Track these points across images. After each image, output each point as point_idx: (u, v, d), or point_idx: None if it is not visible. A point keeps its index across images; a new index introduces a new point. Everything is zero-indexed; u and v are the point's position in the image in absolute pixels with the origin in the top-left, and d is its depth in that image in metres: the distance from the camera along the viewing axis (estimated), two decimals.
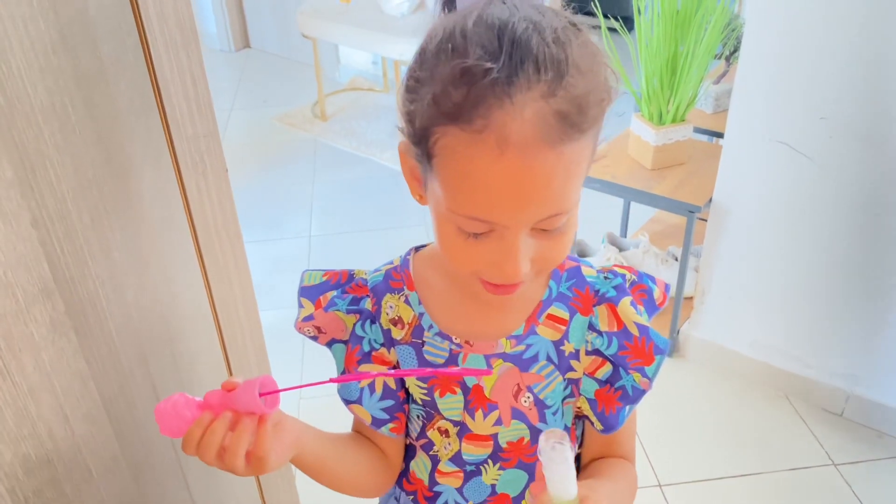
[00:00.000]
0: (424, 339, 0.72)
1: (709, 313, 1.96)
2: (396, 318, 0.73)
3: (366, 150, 3.27)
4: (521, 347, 0.71)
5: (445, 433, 0.75)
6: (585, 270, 0.73)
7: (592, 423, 0.74)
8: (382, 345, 0.74)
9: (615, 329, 0.70)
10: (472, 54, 0.53)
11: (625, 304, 0.71)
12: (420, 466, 0.78)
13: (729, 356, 1.96)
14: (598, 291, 0.72)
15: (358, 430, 0.79)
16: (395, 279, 0.74)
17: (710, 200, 1.83)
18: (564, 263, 0.73)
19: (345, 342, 0.75)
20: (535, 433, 0.73)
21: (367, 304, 0.74)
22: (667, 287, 0.75)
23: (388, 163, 3.17)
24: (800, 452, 1.76)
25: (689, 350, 2.02)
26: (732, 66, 2.13)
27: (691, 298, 2.05)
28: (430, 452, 0.76)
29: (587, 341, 0.71)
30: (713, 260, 1.89)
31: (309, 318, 0.75)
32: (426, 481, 0.78)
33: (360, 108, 3.64)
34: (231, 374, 0.99)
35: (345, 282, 0.76)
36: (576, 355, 0.72)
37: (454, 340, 0.71)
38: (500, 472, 0.75)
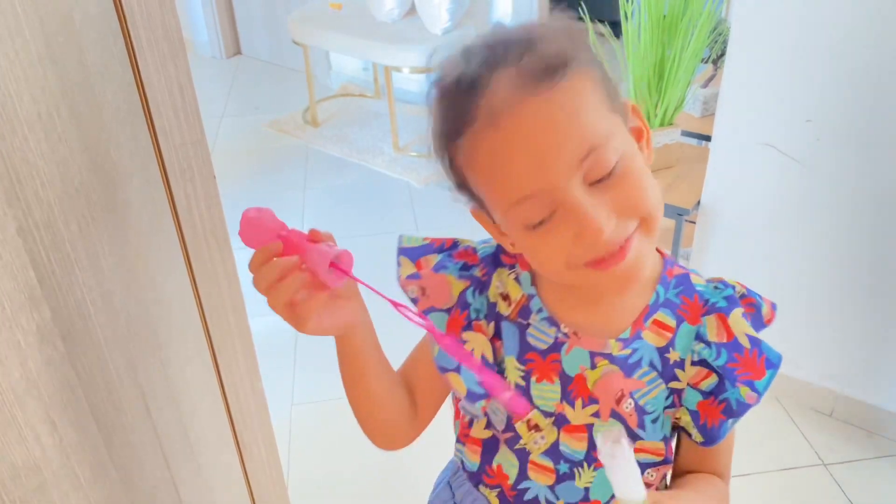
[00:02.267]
0: (531, 321, 0.71)
1: None
2: (505, 293, 0.73)
3: (357, 156, 3.28)
4: (627, 351, 0.70)
5: (536, 427, 0.73)
6: (694, 279, 0.72)
7: (691, 436, 0.72)
8: (485, 316, 0.73)
9: (725, 340, 0.68)
10: (447, 80, 0.61)
11: (736, 315, 0.69)
12: (507, 462, 0.76)
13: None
14: (707, 301, 0.70)
15: (405, 374, 0.79)
16: (508, 255, 0.74)
17: (699, 203, 1.84)
18: (673, 269, 0.72)
19: (444, 311, 0.74)
20: (633, 436, 0.72)
21: (477, 273, 0.74)
22: (773, 305, 0.73)
23: (380, 168, 3.17)
24: (790, 453, 1.77)
25: None
26: (720, 69, 2.15)
27: None
28: (516, 447, 0.75)
29: (693, 351, 0.70)
30: (702, 262, 1.90)
31: (415, 276, 0.75)
32: (512, 478, 0.76)
33: (352, 115, 3.64)
34: (221, 380, 0.99)
35: (448, 247, 0.76)
36: (680, 364, 0.70)
37: (562, 329, 0.70)
38: (594, 473, 0.73)
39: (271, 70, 4.27)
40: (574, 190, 0.57)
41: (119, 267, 0.74)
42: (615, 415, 0.71)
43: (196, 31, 4.41)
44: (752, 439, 1.80)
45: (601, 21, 1.91)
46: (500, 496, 0.78)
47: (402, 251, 0.76)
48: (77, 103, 0.66)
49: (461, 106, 0.59)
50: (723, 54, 2.03)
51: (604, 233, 0.58)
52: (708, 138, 1.99)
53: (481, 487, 0.80)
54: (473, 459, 0.79)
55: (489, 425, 0.77)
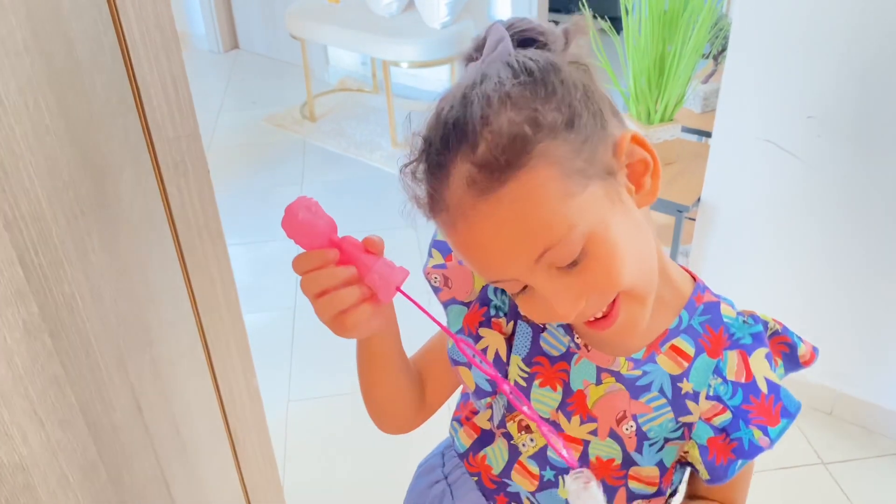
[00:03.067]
0: (547, 325, 0.71)
1: None
2: None
3: (355, 151, 3.26)
4: (637, 373, 0.68)
5: (526, 429, 0.73)
6: (724, 309, 0.69)
7: (698, 471, 0.70)
8: (505, 314, 0.73)
9: (743, 380, 0.66)
10: (413, 166, 0.59)
11: (759, 355, 0.66)
12: (496, 455, 0.77)
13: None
14: (732, 335, 0.67)
15: (418, 363, 0.79)
16: None
17: (699, 200, 1.83)
18: (704, 295, 0.69)
19: (464, 304, 0.74)
20: (628, 460, 0.71)
21: None
22: (815, 349, 0.70)
23: (377, 164, 3.16)
24: (789, 451, 1.76)
25: None
26: (720, 65, 2.13)
27: None
28: (511, 442, 0.75)
29: (710, 385, 0.67)
30: (701, 259, 1.89)
31: (441, 266, 0.75)
32: (497, 471, 0.77)
33: (349, 109, 3.63)
34: (214, 376, 0.98)
35: None
36: (694, 397, 0.67)
37: (575, 339, 0.70)
38: None
39: (269, 64, 4.25)
40: (535, 279, 0.57)
41: (109, 262, 0.72)
42: (613, 435, 0.70)
43: (193, 25, 4.39)
44: None
45: (602, 16, 1.89)
46: (479, 483, 0.79)
47: (436, 243, 0.77)
48: (66, 95, 0.65)
49: (428, 195, 0.59)
50: (724, 50, 2.02)
51: (567, 318, 0.58)
52: (708, 134, 1.97)
53: (454, 470, 0.81)
54: (465, 442, 0.80)
55: (492, 417, 0.78)
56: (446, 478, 0.83)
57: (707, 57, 2.16)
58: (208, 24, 4.33)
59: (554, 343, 0.71)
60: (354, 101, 3.72)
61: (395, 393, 0.75)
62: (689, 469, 0.75)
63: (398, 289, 0.60)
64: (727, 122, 1.71)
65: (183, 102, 0.83)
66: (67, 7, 0.65)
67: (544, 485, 0.74)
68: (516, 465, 0.75)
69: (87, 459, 0.69)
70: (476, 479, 0.79)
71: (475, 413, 0.80)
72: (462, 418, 0.82)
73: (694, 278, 0.71)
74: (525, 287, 0.59)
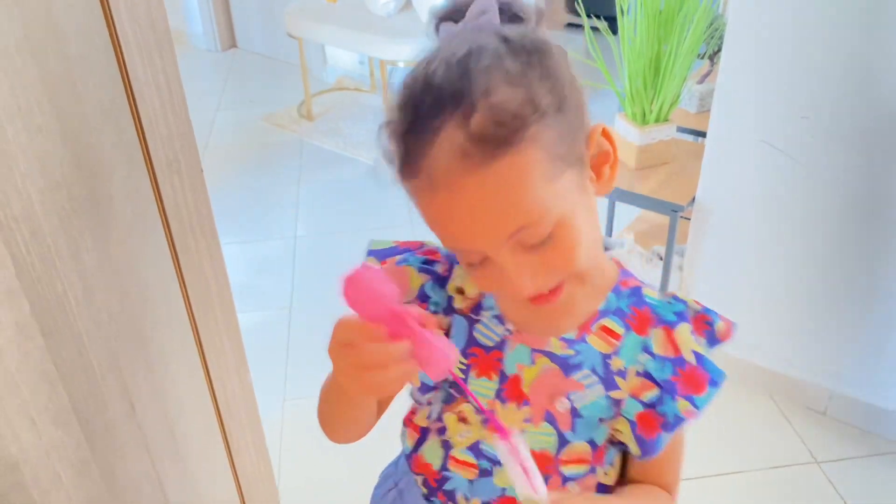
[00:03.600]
0: (481, 317, 0.72)
1: None
2: (461, 287, 0.74)
3: (352, 150, 3.26)
4: (570, 352, 0.70)
5: (464, 420, 0.74)
6: (646, 291, 0.72)
7: (629, 448, 0.72)
8: (444, 310, 0.74)
9: (670, 354, 0.69)
10: (396, 116, 0.58)
11: (683, 329, 0.69)
12: (431, 452, 0.77)
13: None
14: (657, 314, 0.71)
15: None
16: None
17: (694, 199, 1.84)
18: (629, 280, 0.72)
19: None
20: (563, 442, 0.72)
21: (439, 269, 0.74)
22: (733, 325, 0.72)
23: (375, 163, 3.16)
24: (783, 451, 1.77)
25: None
26: (716, 65, 2.14)
27: None
28: (443, 437, 0.76)
29: (639, 362, 0.70)
30: (697, 259, 1.90)
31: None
32: (435, 466, 0.77)
33: (347, 109, 3.63)
34: (208, 375, 0.99)
35: (415, 248, 0.77)
36: (623, 374, 0.70)
37: (506, 326, 0.71)
38: None
39: (267, 63, 4.24)
40: (500, 254, 0.59)
41: (102, 261, 0.73)
42: (548, 417, 0.71)
43: (191, 23, 4.38)
44: (744, 436, 1.80)
45: (597, 16, 1.90)
46: (425, 483, 0.80)
47: (371, 252, 0.77)
48: (58, 95, 0.65)
49: (406, 157, 0.58)
50: (719, 50, 2.02)
51: (524, 292, 0.60)
52: (703, 134, 1.98)
53: (413, 471, 0.81)
54: (409, 444, 0.81)
55: (430, 415, 0.78)
56: (397, 485, 0.84)
57: (703, 57, 2.16)
58: (206, 22, 4.32)
59: (488, 333, 0.72)
60: (352, 100, 3.72)
61: (361, 419, 0.74)
62: (614, 450, 0.76)
63: (455, 376, 0.60)
64: (722, 122, 1.71)
65: (176, 101, 0.83)
66: (59, 7, 0.65)
67: (482, 472, 0.75)
68: (450, 459, 0.76)
69: (80, 458, 0.69)
70: (422, 478, 0.80)
71: (416, 413, 0.80)
72: (406, 420, 0.82)
73: (618, 265, 0.74)
74: (484, 259, 0.60)
